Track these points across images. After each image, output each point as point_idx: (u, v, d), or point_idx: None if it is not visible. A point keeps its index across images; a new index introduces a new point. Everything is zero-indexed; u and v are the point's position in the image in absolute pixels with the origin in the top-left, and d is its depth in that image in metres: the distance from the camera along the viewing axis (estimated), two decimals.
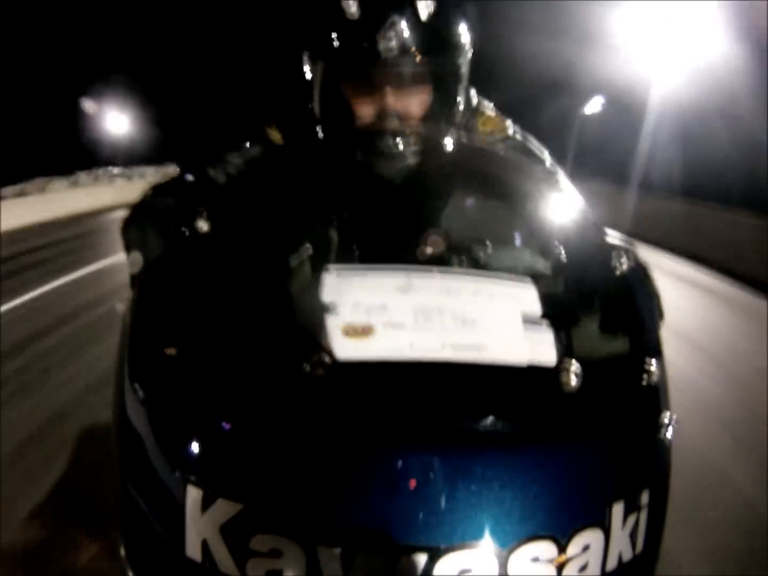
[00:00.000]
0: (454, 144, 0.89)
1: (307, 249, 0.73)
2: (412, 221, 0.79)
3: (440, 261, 0.72)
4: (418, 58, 0.86)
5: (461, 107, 0.97)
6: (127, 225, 0.92)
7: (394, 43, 0.83)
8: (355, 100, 0.92)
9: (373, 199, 0.82)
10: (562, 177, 1.04)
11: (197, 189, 0.97)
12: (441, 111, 0.94)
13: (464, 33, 0.92)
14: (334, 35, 0.88)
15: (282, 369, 0.58)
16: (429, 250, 0.72)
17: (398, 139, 0.82)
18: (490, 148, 0.89)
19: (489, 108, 1.09)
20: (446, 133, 0.93)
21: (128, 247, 0.89)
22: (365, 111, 0.91)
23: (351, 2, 0.85)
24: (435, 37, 0.87)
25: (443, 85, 0.93)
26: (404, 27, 0.84)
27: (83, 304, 4.52)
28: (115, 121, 20.34)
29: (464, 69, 0.94)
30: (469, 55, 0.94)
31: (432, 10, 0.86)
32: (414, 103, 0.92)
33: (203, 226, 0.73)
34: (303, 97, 0.97)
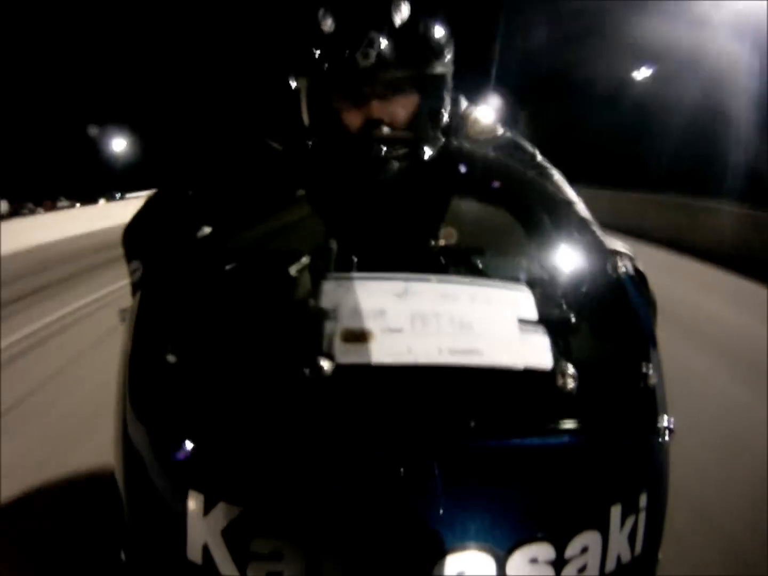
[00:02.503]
0: (447, 151, 0.90)
1: (307, 257, 0.74)
2: (409, 229, 0.80)
3: (437, 267, 0.73)
4: (397, 68, 0.87)
5: (448, 110, 0.97)
6: (129, 233, 0.93)
7: (371, 55, 0.84)
8: (342, 113, 0.93)
9: (370, 208, 0.84)
10: (556, 175, 1.05)
11: (198, 197, 0.98)
12: (428, 116, 0.95)
13: (443, 38, 0.92)
14: (313, 51, 0.88)
15: (282, 374, 0.59)
16: (442, 242, 0.74)
17: (384, 148, 0.84)
18: (482, 153, 0.90)
19: (479, 111, 1.10)
20: (435, 138, 0.94)
21: (129, 256, 0.90)
22: (353, 122, 0.92)
23: (327, 16, 0.86)
24: (413, 45, 0.87)
25: (427, 91, 0.94)
26: (381, 38, 0.84)
27: None
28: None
29: (447, 73, 0.94)
30: (450, 58, 0.94)
31: (408, 19, 0.86)
32: (399, 111, 0.93)
33: (204, 231, 0.74)
34: (294, 113, 0.97)
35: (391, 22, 0.86)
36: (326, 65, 0.88)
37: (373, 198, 0.85)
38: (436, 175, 0.89)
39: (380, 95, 0.90)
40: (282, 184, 0.90)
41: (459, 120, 1.06)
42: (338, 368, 0.57)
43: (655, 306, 0.80)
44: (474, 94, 1.14)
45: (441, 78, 0.93)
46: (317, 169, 0.91)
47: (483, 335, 0.62)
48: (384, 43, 0.85)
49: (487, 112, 1.10)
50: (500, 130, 1.09)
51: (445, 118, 0.97)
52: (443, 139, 0.93)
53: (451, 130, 1.03)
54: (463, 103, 1.09)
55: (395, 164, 0.84)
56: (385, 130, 0.90)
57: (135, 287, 0.86)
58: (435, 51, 0.91)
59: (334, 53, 0.87)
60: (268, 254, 0.79)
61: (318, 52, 0.88)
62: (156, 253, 0.86)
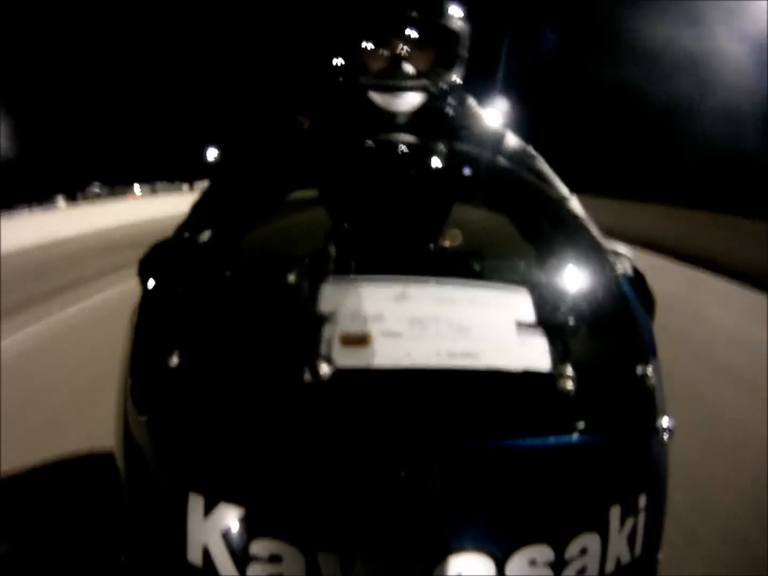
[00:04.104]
0: (450, 152, 0.91)
1: (306, 260, 0.75)
2: (409, 231, 0.80)
3: (436, 270, 0.73)
4: (425, 19, 1.05)
5: (460, 73, 1.13)
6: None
7: (404, 4, 1.02)
8: (371, 56, 1.09)
9: (371, 211, 0.84)
10: (552, 174, 1.06)
11: (202, 203, 0.98)
12: (443, 70, 1.11)
13: (462, 12, 1.09)
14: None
15: (282, 377, 0.59)
16: (447, 243, 0.76)
17: (406, 79, 1.03)
18: (485, 155, 0.91)
19: (484, 110, 1.22)
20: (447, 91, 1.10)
21: None
22: (378, 63, 1.08)
23: None
24: (439, 2, 1.06)
25: (445, 46, 1.10)
26: None
27: None
28: None
29: (464, 37, 1.10)
30: (467, 27, 1.10)
31: None
32: (419, 59, 1.08)
33: (205, 235, 0.74)
34: (328, 62, 1.14)
35: None
36: (366, 11, 1.06)
37: (379, 197, 0.86)
38: (440, 178, 0.90)
39: (406, 41, 1.07)
40: (294, 175, 0.93)
41: (466, 115, 1.16)
42: (337, 372, 0.57)
43: (654, 306, 0.81)
44: (481, 97, 1.25)
45: (457, 36, 1.09)
46: (333, 156, 0.97)
47: (481, 338, 0.63)
48: None
49: (491, 113, 1.22)
50: (501, 128, 1.13)
51: (458, 79, 1.13)
52: (450, 144, 0.96)
53: (456, 122, 1.13)
54: (472, 102, 1.20)
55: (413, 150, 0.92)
56: (406, 68, 1.05)
57: None
58: (454, 14, 1.08)
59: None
60: (267, 257, 0.80)
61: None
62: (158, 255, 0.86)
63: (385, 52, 1.07)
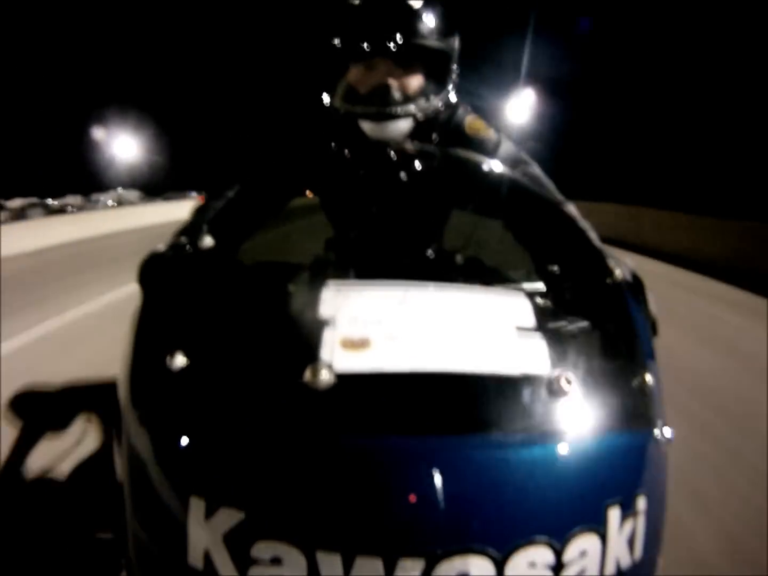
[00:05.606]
0: (448, 159, 0.91)
1: (307, 266, 0.75)
2: (408, 237, 0.81)
3: (435, 275, 0.74)
4: (409, 38, 1.01)
5: (450, 93, 1.11)
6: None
7: (388, 23, 0.99)
8: (359, 79, 1.06)
9: (371, 216, 0.85)
10: (544, 178, 1.07)
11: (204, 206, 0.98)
12: (432, 91, 1.08)
13: (450, 24, 1.07)
14: (340, 20, 1.04)
15: (283, 381, 0.60)
16: (447, 249, 0.74)
17: (394, 106, 1.01)
18: (483, 161, 0.91)
19: (476, 116, 1.21)
20: (437, 113, 1.07)
21: None
22: (365, 87, 1.06)
23: None
24: (424, 23, 1.02)
25: (434, 67, 1.07)
26: (399, 12, 1.00)
27: None
28: (124, 145, 27.25)
29: (452, 56, 1.08)
30: (456, 44, 1.08)
31: (424, 3, 1.03)
32: (407, 82, 1.06)
33: (206, 242, 0.75)
34: (315, 88, 1.13)
35: (408, 2, 1.01)
36: (350, 33, 1.03)
37: (377, 206, 0.86)
38: (439, 186, 0.90)
39: (392, 64, 1.04)
40: (279, 193, 0.92)
41: (460, 119, 1.17)
42: (338, 376, 0.58)
43: (653, 313, 0.81)
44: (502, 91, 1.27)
45: (447, 57, 1.07)
46: (333, 168, 0.97)
47: (480, 342, 0.63)
48: (400, 17, 1.00)
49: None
50: (492, 132, 1.16)
51: (448, 98, 1.11)
52: (448, 150, 0.96)
53: (452, 125, 1.14)
54: (468, 108, 1.20)
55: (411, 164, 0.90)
56: (393, 95, 1.03)
57: None
58: (442, 33, 1.05)
59: (356, 22, 1.02)
60: (268, 263, 0.80)
61: (344, 21, 1.04)
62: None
63: (372, 77, 1.05)
